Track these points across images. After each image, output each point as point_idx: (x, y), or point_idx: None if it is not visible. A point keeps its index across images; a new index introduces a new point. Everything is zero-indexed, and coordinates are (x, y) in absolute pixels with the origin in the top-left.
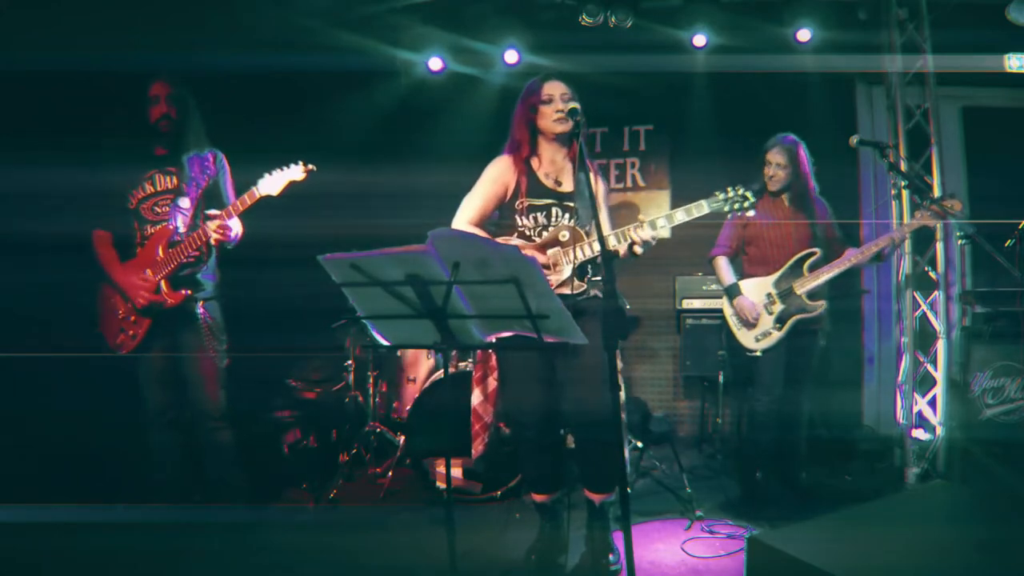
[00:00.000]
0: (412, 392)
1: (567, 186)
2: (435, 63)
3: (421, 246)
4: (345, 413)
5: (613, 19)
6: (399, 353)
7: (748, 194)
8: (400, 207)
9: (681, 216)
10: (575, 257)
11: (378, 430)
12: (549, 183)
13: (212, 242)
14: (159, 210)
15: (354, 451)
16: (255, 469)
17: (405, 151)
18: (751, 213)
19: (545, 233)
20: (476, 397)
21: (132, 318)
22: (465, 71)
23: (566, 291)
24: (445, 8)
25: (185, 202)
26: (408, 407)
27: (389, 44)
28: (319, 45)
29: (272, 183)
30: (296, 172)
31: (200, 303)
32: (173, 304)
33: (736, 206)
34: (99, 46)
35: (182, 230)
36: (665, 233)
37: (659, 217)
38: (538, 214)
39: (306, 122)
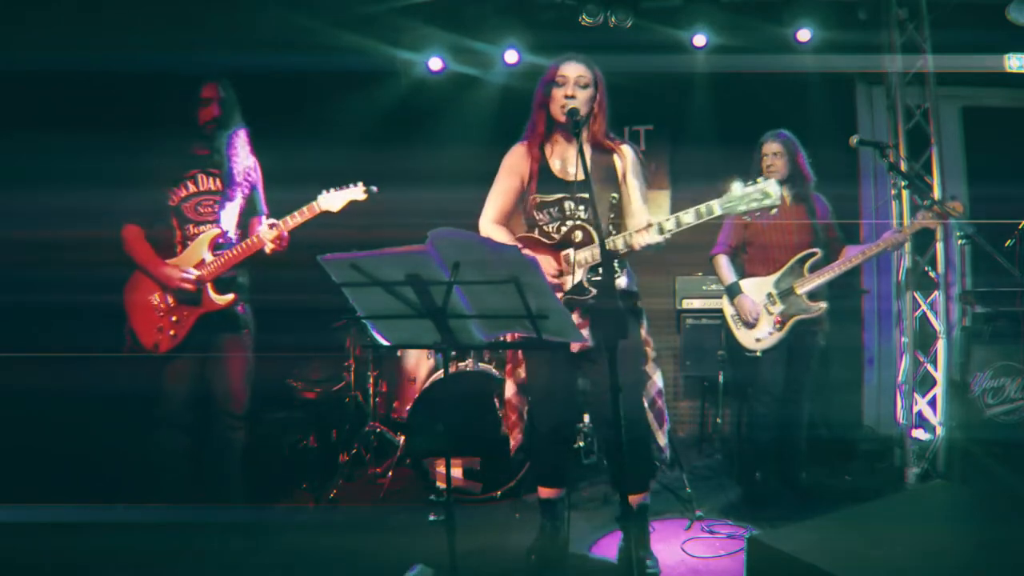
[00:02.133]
0: (412, 392)
1: (580, 174)
2: (435, 63)
3: (421, 246)
4: (345, 413)
5: (613, 19)
6: (399, 353)
7: (769, 191)
8: (400, 207)
9: (691, 218)
10: (588, 260)
11: (378, 430)
12: (558, 170)
13: (267, 251)
14: (202, 210)
15: (354, 451)
16: (255, 469)
17: (405, 151)
18: (774, 211)
19: (563, 228)
20: (509, 388)
21: (174, 317)
22: (465, 71)
23: (577, 297)
24: (445, 8)
25: (233, 207)
26: (408, 407)
27: (389, 44)
28: (319, 45)
29: (332, 200)
30: (357, 192)
31: (241, 305)
32: (221, 307)
33: (753, 205)
34: (99, 47)
35: (232, 234)
36: (672, 228)
37: (668, 219)
38: (551, 209)
39: (306, 122)
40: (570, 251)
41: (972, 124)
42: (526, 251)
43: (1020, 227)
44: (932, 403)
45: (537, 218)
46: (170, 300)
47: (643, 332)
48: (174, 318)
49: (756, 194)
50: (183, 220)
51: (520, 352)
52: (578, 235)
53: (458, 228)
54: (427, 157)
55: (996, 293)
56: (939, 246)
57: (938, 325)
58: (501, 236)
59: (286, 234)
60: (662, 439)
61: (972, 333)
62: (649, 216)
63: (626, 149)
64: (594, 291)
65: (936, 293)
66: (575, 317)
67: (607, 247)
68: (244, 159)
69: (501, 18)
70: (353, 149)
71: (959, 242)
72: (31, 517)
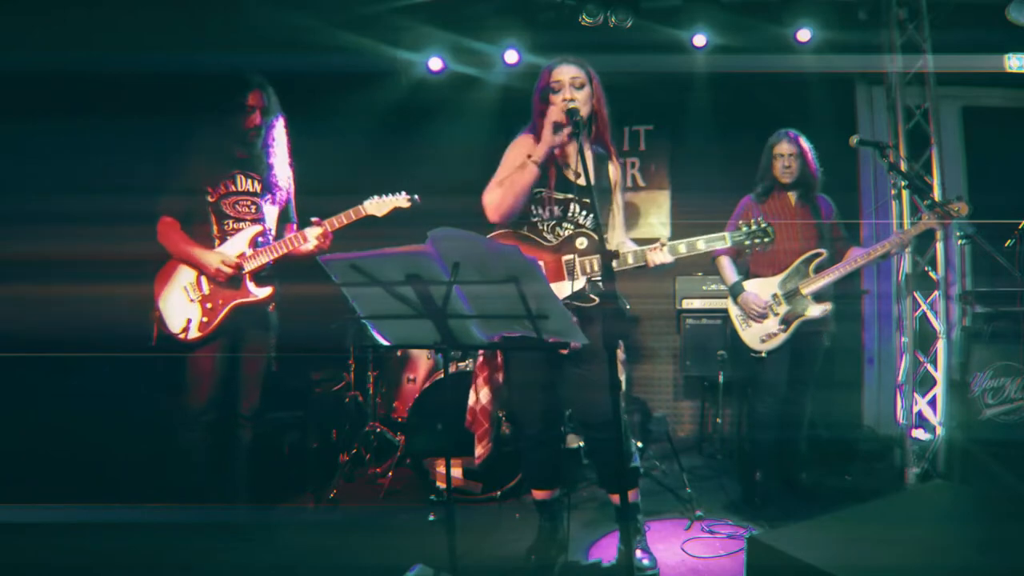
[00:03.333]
0: (412, 392)
1: (583, 179)
2: (435, 63)
3: (421, 246)
4: (345, 413)
5: (613, 19)
6: (399, 353)
7: (769, 229)
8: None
9: (702, 245)
10: (591, 269)
11: (378, 430)
12: (570, 175)
13: (312, 248)
14: (240, 208)
15: (354, 451)
16: (256, 469)
17: (405, 151)
18: (770, 249)
19: (559, 229)
20: (484, 395)
21: (208, 304)
22: (465, 71)
23: (579, 304)
24: (445, 8)
25: (273, 211)
26: (408, 407)
27: (389, 44)
28: (319, 45)
29: (378, 206)
30: (401, 200)
31: (272, 305)
32: (259, 300)
33: (757, 241)
34: (99, 46)
35: (272, 233)
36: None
37: (680, 243)
38: (555, 207)
39: (306, 122)
40: (574, 256)
41: (972, 124)
42: (543, 256)
43: (1020, 227)
44: (932, 403)
45: (535, 212)
46: (205, 286)
47: None
48: (208, 304)
49: (759, 232)
50: (221, 216)
51: (499, 357)
52: (582, 242)
53: (458, 228)
54: (427, 157)
55: (996, 293)
56: (939, 246)
57: (938, 325)
58: (507, 186)
59: (330, 232)
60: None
61: (972, 333)
62: (626, 235)
63: (618, 166)
64: (596, 300)
65: (936, 293)
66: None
67: (617, 257)
68: (284, 168)
69: (501, 18)
70: (353, 149)
71: (959, 242)
72: (31, 517)
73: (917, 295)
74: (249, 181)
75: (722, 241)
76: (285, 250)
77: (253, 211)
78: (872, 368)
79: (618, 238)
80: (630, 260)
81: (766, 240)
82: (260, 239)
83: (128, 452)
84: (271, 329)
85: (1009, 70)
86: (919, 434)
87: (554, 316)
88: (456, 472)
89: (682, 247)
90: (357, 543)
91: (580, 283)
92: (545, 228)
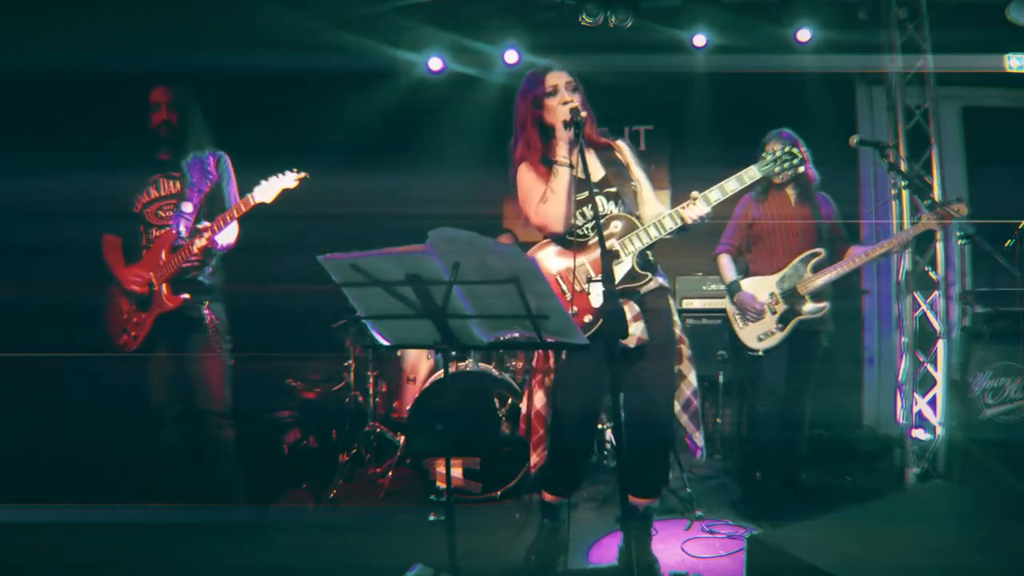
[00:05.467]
0: (412, 392)
1: (598, 173)
2: (435, 63)
3: (421, 246)
4: (345, 413)
5: (613, 19)
6: (399, 353)
7: (795, 151)
8: (400, 207)
9: (733, 185)
10: (633, 246)
11: (378, 430)
12: (578, 174)
13: (195, 249)
14: (163, 214)
15: (354, 451)
16: (255, 469)
17: (405, 151)
18: (802, 169)
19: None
20: (539, 399)
21: (135, 319)
22: (465, 71)
23: (631, 284)
24: (445, 8)
25: (188, 207)
26: (408, 407)
27: (389, 44)
28: (319, 45)
29: (266, 190)
30: (288, 180)
31: (205, 304)
32: (172, 308)
33: (786, 165)
34: (101, 47)
35: (184, 235)
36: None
37: (711, 191)
38: (584, 209)
39: (306, 122)
40: (613, 241)
41: (972, 124)
42: (589, 255)
43: (1020, 227)
44: (932, 403)
45: (573, 223)
46: (132, 304)
47: (677, 330)
48: (135, 320)
49: (785, 156)
50: (147, 225)
51: (551, 359)
52: (616, 225)
53: (459, 228)
54: (427, 157)
55: (996, 293)
56: (939, 246)
57: (938, 325)
58: (551, 198)
59: (216, 240)
60: (699, 439)
61: (972, 333)
62: (659, 204)
63: (622, 143)
64: (648, 275)
65: (936, 293)
66: (627, 309)
67: (618, 257)
68: (205, 157)
69: (501, 18)
70: (353, 149)
71: (959, 242)
72: (31, 518)
73: (917, 295)
74: (171, 183)
75: (750, 174)
76: (191, 254)
77: (174, 215)
78: (872, 368)
79: (653, 209)
80: (667, 224)
81: (795, 162)
82: (178, 243)
83: (127, 452)
84: (208, 328)
85: (1009, 70)
86: (919, 434)
87: (554, 316)
88: (456, 472)
89: (714, 194)
90: (357, 543)
91: (627, 264)
92: (585, 231)
